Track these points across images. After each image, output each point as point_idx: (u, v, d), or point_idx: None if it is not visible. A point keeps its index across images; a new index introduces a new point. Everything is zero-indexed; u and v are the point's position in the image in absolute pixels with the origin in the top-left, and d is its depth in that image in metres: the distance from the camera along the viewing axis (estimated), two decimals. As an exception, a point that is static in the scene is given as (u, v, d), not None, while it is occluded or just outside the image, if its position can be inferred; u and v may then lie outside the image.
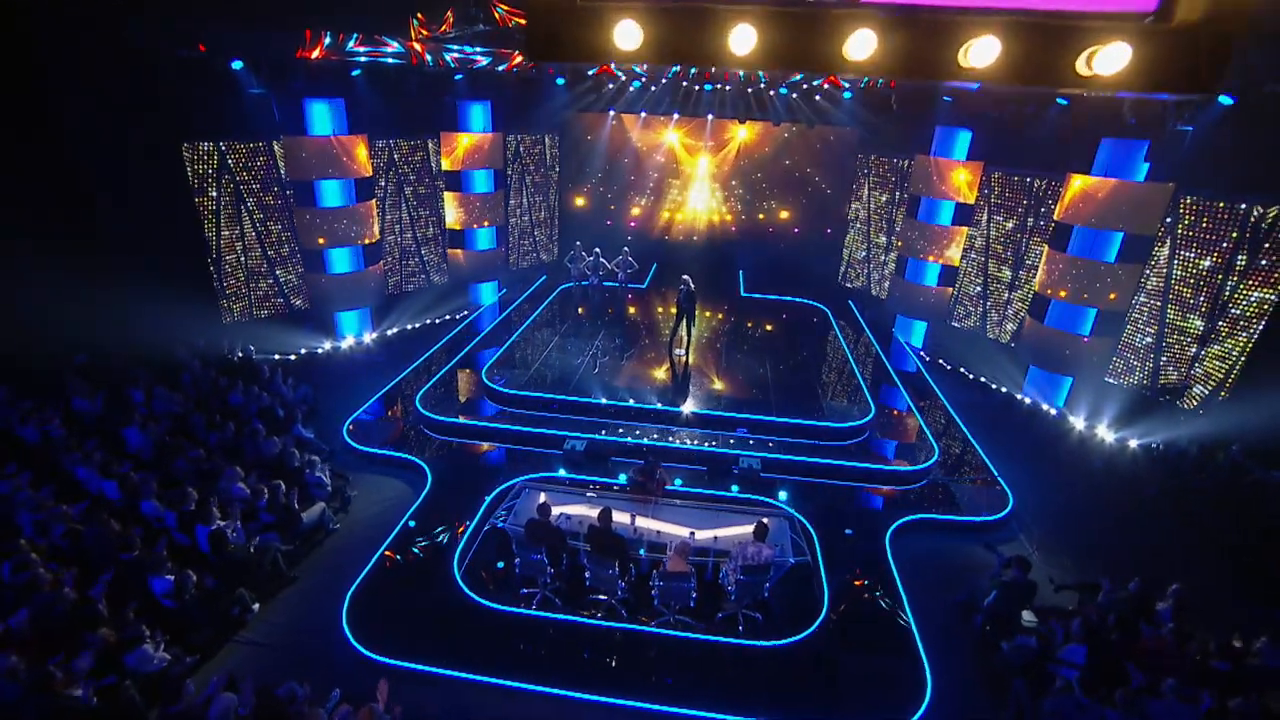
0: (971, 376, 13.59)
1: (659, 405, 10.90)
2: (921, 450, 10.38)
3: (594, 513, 7.57)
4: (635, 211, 19.97)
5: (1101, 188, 10.87)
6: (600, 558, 6.62)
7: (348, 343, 14.04)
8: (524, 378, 11.86)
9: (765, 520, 6.93)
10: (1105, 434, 11.34)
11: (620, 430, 10.44)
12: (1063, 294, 11.74)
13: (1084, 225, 11.25)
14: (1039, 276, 12.38)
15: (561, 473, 9.51)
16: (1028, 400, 12.57)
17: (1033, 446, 10.95)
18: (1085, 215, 11.21)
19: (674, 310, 13.17)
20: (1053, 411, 12.17)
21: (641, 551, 7.10)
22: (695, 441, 10.20)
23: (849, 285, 18.29)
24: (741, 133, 18.54)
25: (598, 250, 15.32)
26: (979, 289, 14.51)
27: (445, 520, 8.42)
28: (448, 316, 15.61)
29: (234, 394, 9.73)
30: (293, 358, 13.09)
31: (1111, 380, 11.90)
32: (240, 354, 11.17)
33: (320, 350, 13.61)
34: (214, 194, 12.47)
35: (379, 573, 7.44)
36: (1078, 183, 11.23)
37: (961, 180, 13.72)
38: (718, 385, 12.06)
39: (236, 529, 6.86)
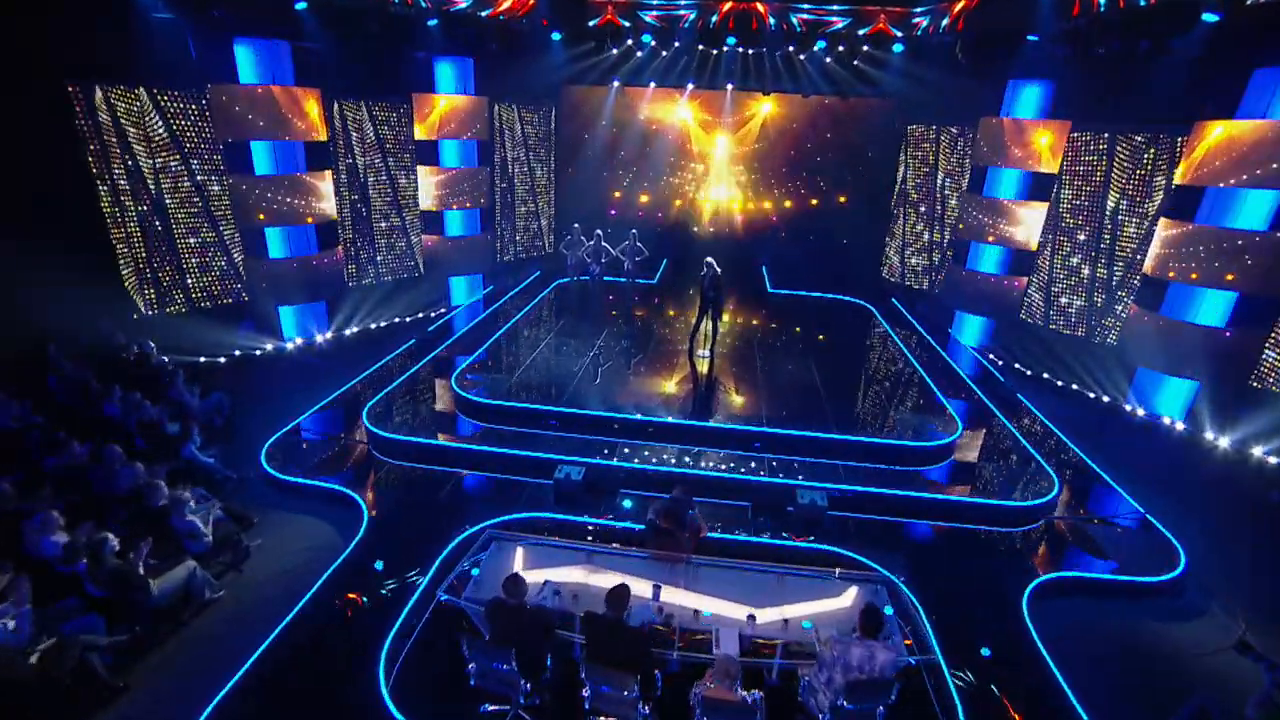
0: (1060, 383, 11.02)
1: (680, 420, 8.35)
2: (1029, 477, 7.80)
3: (592, 579, 5.00)
4: (644, 198, 17.55)
5: (1256, 133, 8.39)
6: (606, 668, 4.02)
7: (294, 343, 11.48)
8: (506, 385, 9.31)
9: (873, 602, 4.35)
10: (1260, 454, 8.76)
11: (629, 453, 7.87)
12: (1193, 276, 9.21)
13: (1223, 185, 8.76)
14: (1151, 256, 9.87)
15: (542, 516, 6.93)
16: (1140, 411, 9.99)
17: (1170, 472, 8.35)
18: (1225, 172, 8.73)
19: (696, 304, 10.64)
20: (1178, 425, 9.59)
21: (672, 653, 4.48)
22: (730, 467, 7.63)
23: (893, 279, 15.81)
24: (765, 106, 16.17)
25: (599, 234, 12.82)
26: (1064, 275, 12.02)
27: (378, 585, 5.84)
28: (420, 314, 13.07)
29: (109, 403, 7.16)
30: (222, 361, 10.53)
31: (1258, 385, 9.34)
32: (137, 352, 8.61)
33: (259, 352, 11.05)
34: (118, 152, 10.00)
35: (269, 673, 4.85)
36: (1217, 130, 8.76)
37: (1041, 144, 11.27)
38: (751, 395, 9.51)
39: (20, 615, 4.26)
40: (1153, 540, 6.83)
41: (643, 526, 5.94)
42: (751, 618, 4.63)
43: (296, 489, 7.26)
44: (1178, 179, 9.50)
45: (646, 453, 7.88)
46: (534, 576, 5.15)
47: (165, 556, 5.39)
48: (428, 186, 13.25)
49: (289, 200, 11.01)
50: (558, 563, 5.42)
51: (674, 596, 4.98)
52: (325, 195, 11.58)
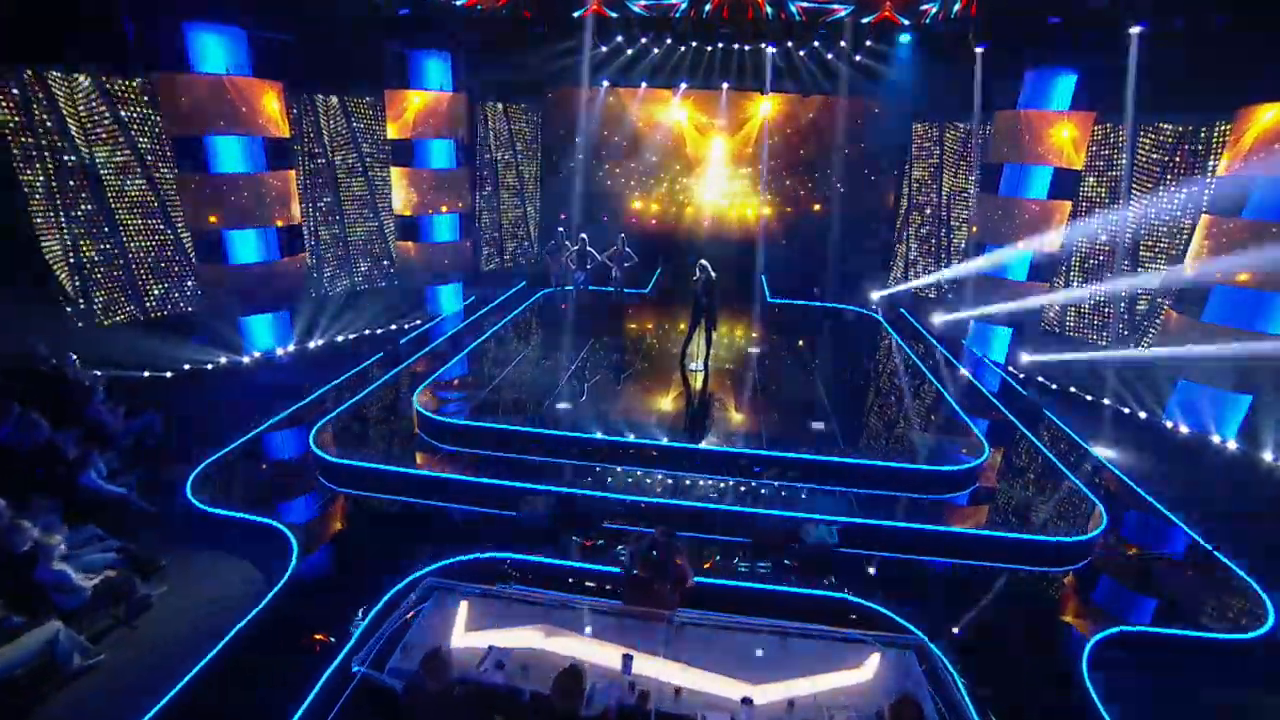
0: (1090, 398, 10.01)
1: (667, 442, 7.37)
2: (1069, 506, 6.79)
3: (550, 644, 4.03)
4: (636, 204, 16.70)
5: (1316, 115, 7.50)
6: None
7: (251, 357, 10.53)
8: (474, 404, 8.37)
9: (911, 695, 3.36)
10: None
11: (610, 481, 6.88)
12: (1241, 278, 8.26)
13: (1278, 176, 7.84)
14: (1192, 256, 8.93)
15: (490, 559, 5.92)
16: (1184, 428, 8.98)
17: (1231, 500, 7.32)
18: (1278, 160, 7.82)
19: (690, 312, 9.69)
20: (1230, 444, 8.57)
21: (646, 745, 3.48)
22: (725, 496, 6.63)
23: (902, 288, 14.89)
24: (765, 106, 15.36)
25: (584, 238, 11.91)
26: (1091, 279, 11.09)
27: (299, 645, 4.84)
28: (394, 326, 12.14)
29: (2, 424, 6.19)
30: (169, 375, 9.58)
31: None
32: (53, 365, 7.66)
33: (212, 366, 10.10)
34: (51, 144, 9.14)
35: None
36: (1269, 115, 7.86)
37: (1064, 138, 10.37)
38: (750, 414, 8.53)
39: None
40: (1227, 584, 5.80)
41: (619, 572, 4.93)
42: (748, 701, 3.60)
43: (223, 523, 6.27)
44: (1221, 170, 8.58)
45: (630, 480, 6.90)
46: (478, 639, 4.16)
47: (34, 614, 4.41)
48: (402, 189, 12.38)
49: (248, 201, 10.13)
50: (509, 620, 4.41)
51: (651, 667, 3.97)
52: (288, 196, 10.72)
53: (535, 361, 10.10)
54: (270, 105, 10.05)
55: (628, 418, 8.01)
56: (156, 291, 10.55)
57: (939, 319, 12.89)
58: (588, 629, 4.33)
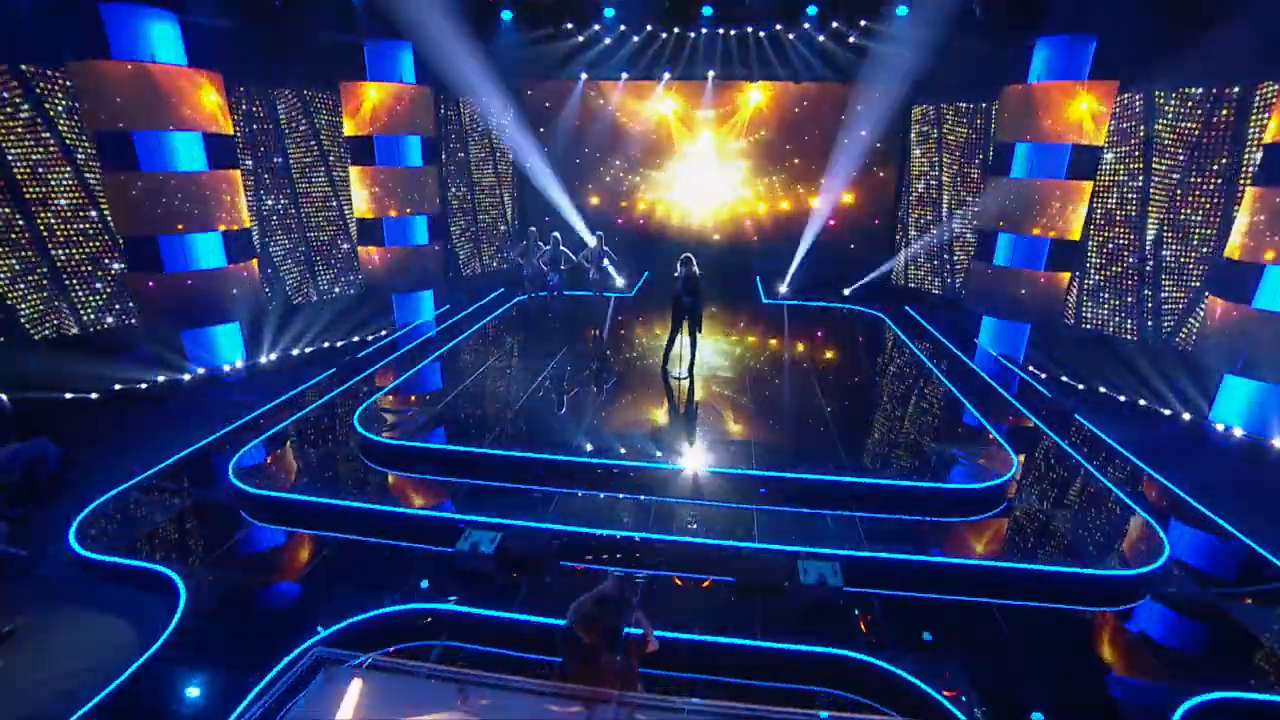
0: (1122, 398, 8.94)
1: (642, 463, 6.34)
2: (1116, 527, 5.73)
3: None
4: (622, 204, 15.77)
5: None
6: None
7: (193, 375, 9.56)
8: (419, 423, 7.39)
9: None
10: None
11: (575, 510, 5.86)
12: (1300, 256, 7.22)
13: (1338, 138, 6.82)
14: (1237, 235, 7.90)
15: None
16: (1238, 431, 7.89)
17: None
18: (1338, 122, 6.80)
19: (670, 314, 8.69)
20: (1288, 448, 7.49)
21: None
22: (707, 529, 5.59)
23: (907, 284, 13.90)
24: (755, 95, 14.44)
25: (557, 236, 10.93)
26: (1117, 266, 10.06)
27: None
28: (355, 338, 11.18)
29: None
30: (93, 397, 8.61)
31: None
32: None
33: (145, 385, 9.13)
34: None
35: None
36: (1325, 68, 6.86)
37: (1082, 111, 9.39)
38: (743, 428, 7.51)
39: None
40: (1322, 622, 4.72)
41: (560, 636, 3.89)
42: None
43: (108, 571, 5.26)
44: (1269, 137, 7.56)
45: (598, 509, 5.87)
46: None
47: None
48: (363, 189, 11.47)
49: (186, 204, 9.22)
50: (414, 703, 3.39)
51: (590, 777, 2.93)
52: (234, 199, 9.82)
53: (496, 375, 9.12)
54: (208, 98, 9.15)
55: (599, 436, 6.99)
56: (88, 304, 9.60)
57: (945, 314, 11.86)
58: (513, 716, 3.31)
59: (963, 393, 8.43)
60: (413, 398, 8.43)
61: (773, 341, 10.96)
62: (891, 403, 8.71)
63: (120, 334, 9.79)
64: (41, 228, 9.02)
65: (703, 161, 15.20)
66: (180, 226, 9.16)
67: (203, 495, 6.34)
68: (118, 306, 9.82)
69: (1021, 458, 6.75)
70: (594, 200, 15.62)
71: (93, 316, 9.63)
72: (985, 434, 7.21)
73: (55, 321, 9.34)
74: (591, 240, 11.50)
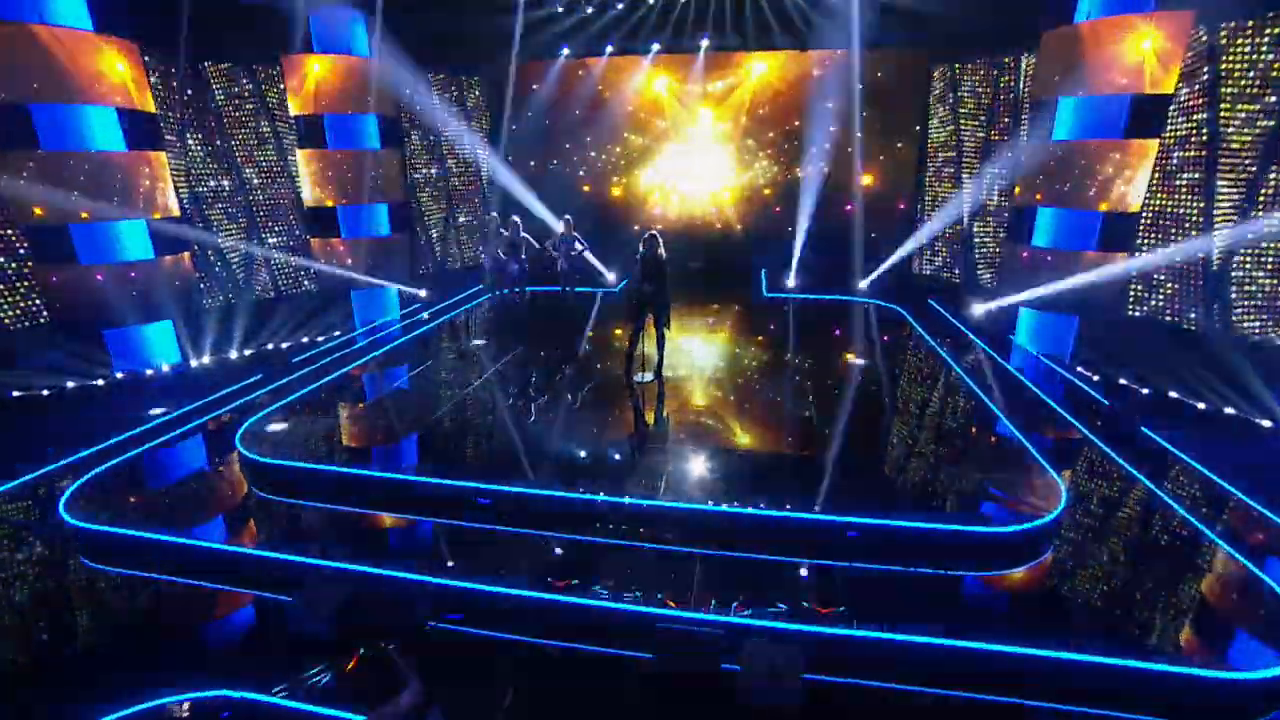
0: (1202, 405, 7.16)
1: (598, 495, 4.92)
2: (1226, 592, 4.10)
3: None
4: (615, 192, 14.44)
5: None
6: None
7: (108, 379, 8.54)
8: (314, 441, 6.16)
9: None
10: None
11: (476, 555, 4.53)
12: None
13: None
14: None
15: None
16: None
17: None
18: None
19: (627, 305, 7.28)
20: None
21: None
22: (691, 599, 4.16)
23: (926, 272, 12.21)
24: (758, 67, 12.94)
25: (516, 221, 9.55)
26: (1186, 242, 8.28)
27: None
28: (305, 339, 10.07)
29: None
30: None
31: None
32: None
33: (46, 391, 8.13)
34: None
35: None
36: None
37: (1144, 51, 7.64)
38: (711, 447, 6.05)
39: None
40: None
41: None
42: None
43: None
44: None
45: (539, 547, 4.52)
46: None
47: None
48: (313, 175, 10.37)
49: (100, 187, 8.24)
50: None
51: None
52: (159, 183, 8.81)
53: (424, 384, 7.87)
54: (115, 68, 8.14)
55: (536, 456, 5.65)
56: None
57: (980, 309, 10.13)
58: None
59: (995, 402, 6.80)
60: (308, 409, 7.20)
61: (764, 343, 9.45)
62: (903, 416, 7.11)
63: (34, 334, 8.87)
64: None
65: (701, 142, 13.75)
66: (86, 215, 8.16)
67: (40, 528, 5.19)
68: (30, 303, 8.90)
69: (1071, 486, 5.14)
70: (585, 188, 14.34)
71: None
72: (1023, 455, 5.59)
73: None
74: (559, 226, 10.13)
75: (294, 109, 10.01)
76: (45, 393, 8.13)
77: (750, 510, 4.56)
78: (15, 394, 7.95)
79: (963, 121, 11.25)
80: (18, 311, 8.81)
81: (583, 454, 5.86)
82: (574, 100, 13.41)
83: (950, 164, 11.63)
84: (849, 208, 13.45)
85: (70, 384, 8.33)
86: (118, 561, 4.61)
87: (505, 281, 9.66)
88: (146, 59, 8.78)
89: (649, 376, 7.24)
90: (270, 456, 5.65)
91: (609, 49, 12.51)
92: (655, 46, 12.46)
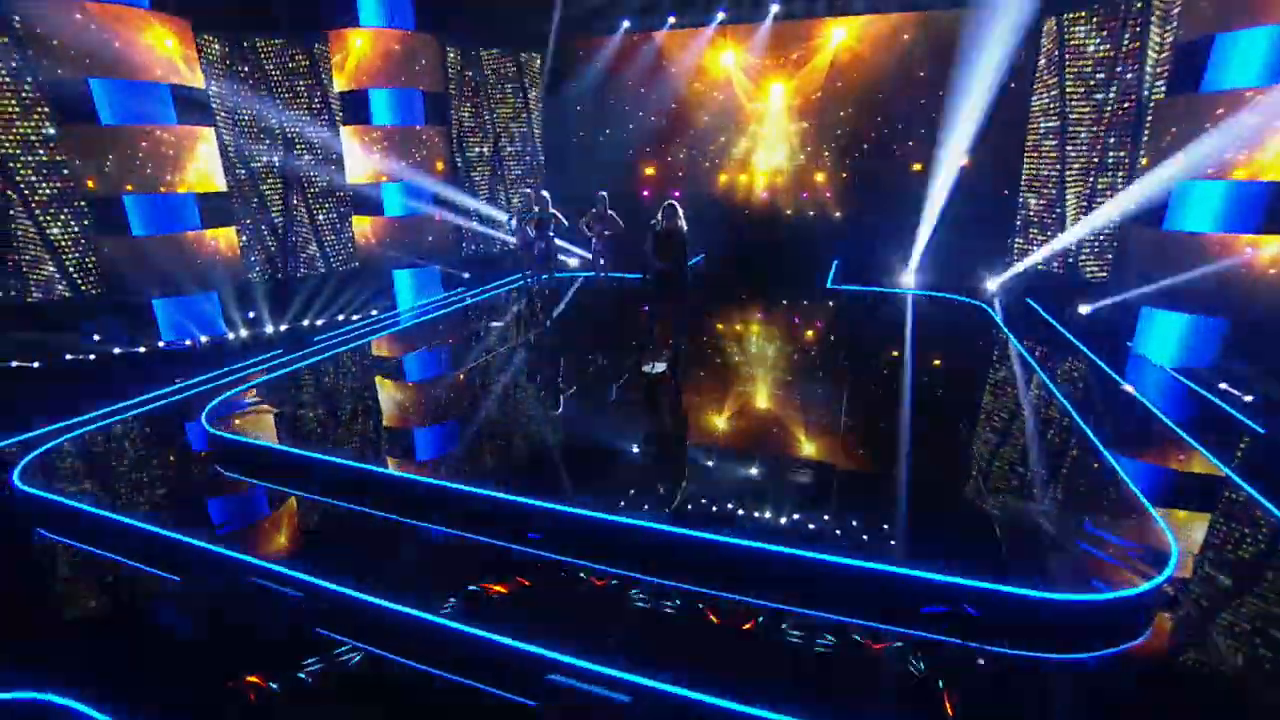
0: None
1: (606, 514, 4.09)
2: None
3: None
4: (677, 173, 13.56)
5: None
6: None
7: (144, 349, 8.76)
8: (282, 419, 5.78)
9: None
10: None
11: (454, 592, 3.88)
12: None
13: None
14: None
15: None
16: None
17: None
18: None
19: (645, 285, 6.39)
20: None
21: None
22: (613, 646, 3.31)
23: (1027, 265, 10.39)
24: (838, 34, 11.59)
25: (545, 195, 8.83)
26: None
27: None
28: (342, 317, 9.99)
29: None
30: (35, 366, 8.00)
31: None
32: None
33: (93, 357, 8.43)
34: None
35: None
36: None
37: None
38: (745, 455, 5.08)
39: None
40: None
41: None
42: None
43: None
44: None
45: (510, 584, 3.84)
46: None
47: None
48: (357, 151, 10.29)
49: (150, 160, 8.49)
50: None
51: None
52: (204, 157, 8.99)
53: (421, 370, 7.37)
54: (162, 43, 8.32)
55: (555, 461, 4.95)
56: (49, 268, 9.18)
57: (1086, 308, 8.33)
58: None
59: (1092, 426, 5.29)
60: (287, 389, 6.86)
61: (803, 338, 8.23)
62: (965, 442, 5.72)
63: (93, 302, 9.31)
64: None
65: (775, 119, 12.55)
66: (143, 186, 8.40)
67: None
68: (86, 271, 9.37)
69: (1188, 541, 3.73)
70: (648, 171, 13.57)
71: (58, 280, 9.21)
72: (1127, 498, 4.17)
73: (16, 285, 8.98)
74: (539, 210, 9.11)
75: (339, 85, 9.97)
76: (92, 357, 8.47)
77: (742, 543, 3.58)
78: (68, 357, 8.33)
79: (1070, 85, 9.38)
80: (78, 279, 9.29)
81: (557, 457, 5.09)
82: (635, 76, 12.66)
83: (1053, 134, 9.76)
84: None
85: (116, 350, 8.63)
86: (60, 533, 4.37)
87: (533, 263, 9.05)
88: (199, 35, 8.97)
89: (660, 367, 6.33)
90: (233, 434, 5.31)
91: (671, 20, 11.64)
92: (720, 15, 11.44)
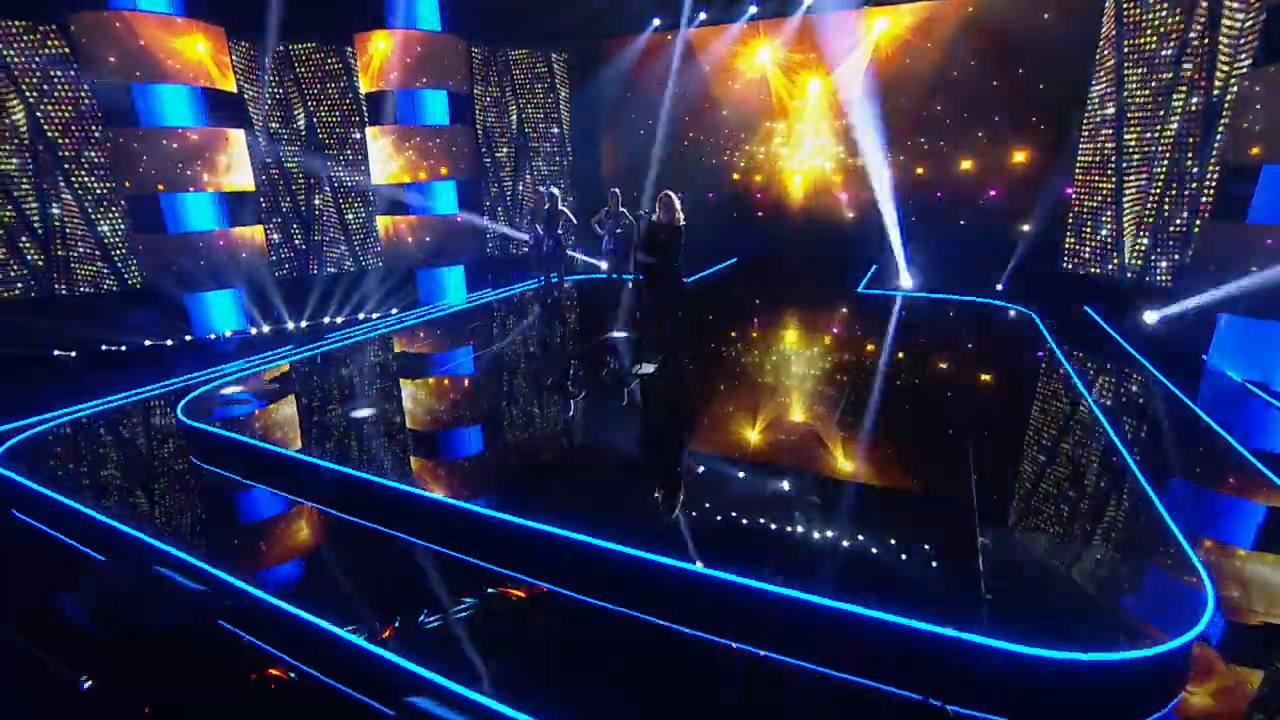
0: None
1: (581, 537, 3.77)
2: None
3: None
4: (710, 175, 13.13)
5: None
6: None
7: (170, 341, 9.09)
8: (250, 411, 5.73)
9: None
10: None
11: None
12: None
13: None
14: None
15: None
16: None
17: None
18: None
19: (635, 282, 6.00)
20: None
21: None
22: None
23: (1079, 268, 9.38)
24: (880, 23, 10.91)
25: (555, 192, 8.53)
26: None
27: None
28: (360, 316, 10.11)
29: None
30: (71, 354, 8.41)
31: None
32: None
33: (124, 348, 8.78)
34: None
35: None
36: None
37: None
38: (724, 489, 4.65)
39: None
40: None
41: None
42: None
43: None
44: None
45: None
46: None
47: None
48: (381, 151, 10.41)
49: (184, 159, 8.85)
50: None
51: None
52: (234, 158, 9.29)
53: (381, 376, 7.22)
54: (203, 50, 8.66)
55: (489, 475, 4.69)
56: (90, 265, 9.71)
57: (1154, 316, 7.32)
58: None
59: (1151, 462, 4.51)
60: (268, 378, 6.84)
61: (818, 344, 7.60)
62: (996, 466, 5.00)
63: (132, 295, 9.79)
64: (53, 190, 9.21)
65: (811, 116, 11.95)
66: (161, 187, 8.75)
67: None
68: (121, 269, 9.87)
69: (1236, 593, 3.01)
70: (670, 170, 13.19)
71: (102, 275, 9.73)
72: (1172, 547, 3.46)
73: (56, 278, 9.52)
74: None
75: (364, 86, 10.13)
76: (122, 348, 8.84)
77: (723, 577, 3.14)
78: (102, 348, 8.74)
79: (1129, 69, 8.35)
80: (125, 274, 9.79)
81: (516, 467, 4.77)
82: (667, 74, 12.35)
83: (1108, 124, 8.72)
84: (992, 193, 10.94)
85: (147, 343, 8.99)
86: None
87: (541, 263, 8.82)
88: (232, 40, 9.30)
89: (649, 368, 5.92)
90: (205, 424, 5.29)
91: (702, 16, 11.28)
92: (752, 9, 10.98)
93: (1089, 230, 9.26)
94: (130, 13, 8.20)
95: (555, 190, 8.56)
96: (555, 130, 12.64)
